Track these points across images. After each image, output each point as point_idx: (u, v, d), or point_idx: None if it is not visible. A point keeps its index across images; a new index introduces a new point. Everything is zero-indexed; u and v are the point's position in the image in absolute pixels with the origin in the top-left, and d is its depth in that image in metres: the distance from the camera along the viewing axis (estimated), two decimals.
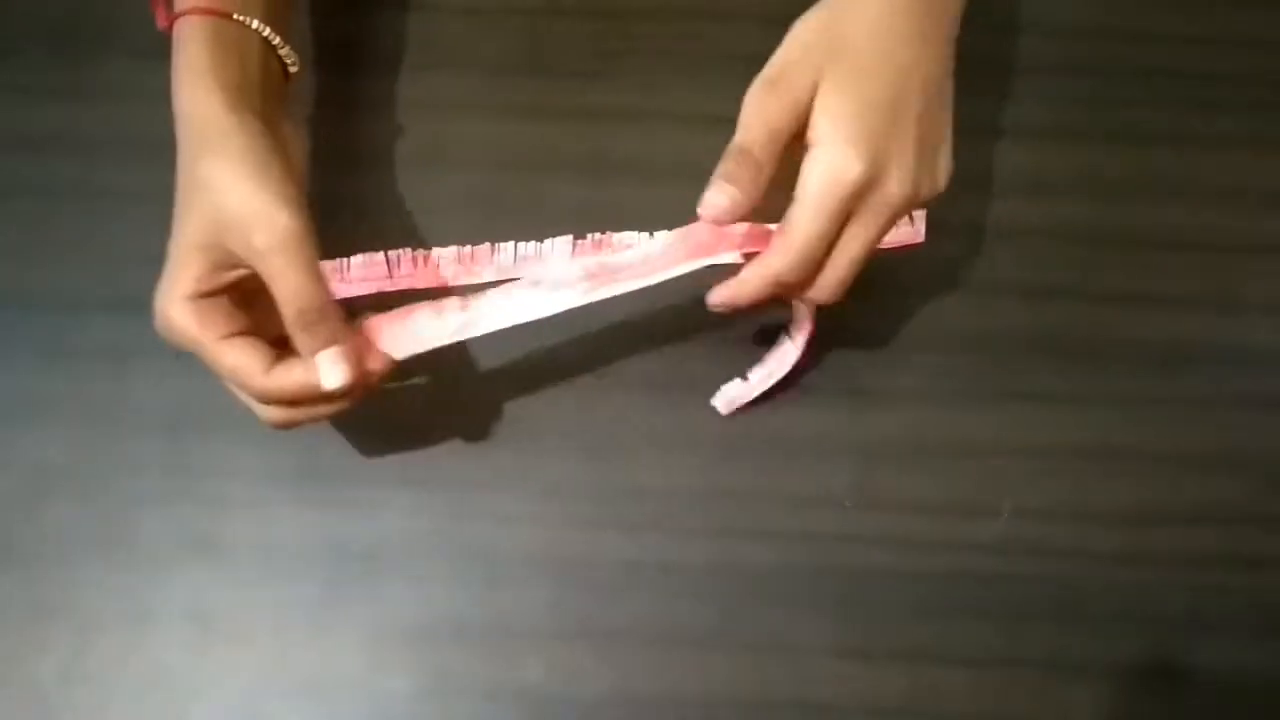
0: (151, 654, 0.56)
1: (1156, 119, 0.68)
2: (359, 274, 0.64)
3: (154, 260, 0.63)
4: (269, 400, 0.51)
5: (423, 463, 0.60)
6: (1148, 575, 0.58)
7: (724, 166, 0.52)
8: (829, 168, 0.49)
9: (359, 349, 0.52)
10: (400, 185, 0.67)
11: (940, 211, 0.65)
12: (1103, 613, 0.58)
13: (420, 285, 0.64)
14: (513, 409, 0.61)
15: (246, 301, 0.52)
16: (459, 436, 0.60)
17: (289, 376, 0.50)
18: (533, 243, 0.65)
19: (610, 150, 0.68)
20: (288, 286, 0.49)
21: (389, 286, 0.64)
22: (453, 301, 0.56)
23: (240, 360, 0.50)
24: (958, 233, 0.65)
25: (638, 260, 0.59)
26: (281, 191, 0.50)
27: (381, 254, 0.64)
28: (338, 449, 0.60)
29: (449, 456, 0.60)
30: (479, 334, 0.56)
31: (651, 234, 0.65)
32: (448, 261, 0.64)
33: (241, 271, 0.51)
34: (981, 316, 0.63)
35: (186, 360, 0.61)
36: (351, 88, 0.69)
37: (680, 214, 0.65)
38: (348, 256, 0.64)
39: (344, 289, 0.63)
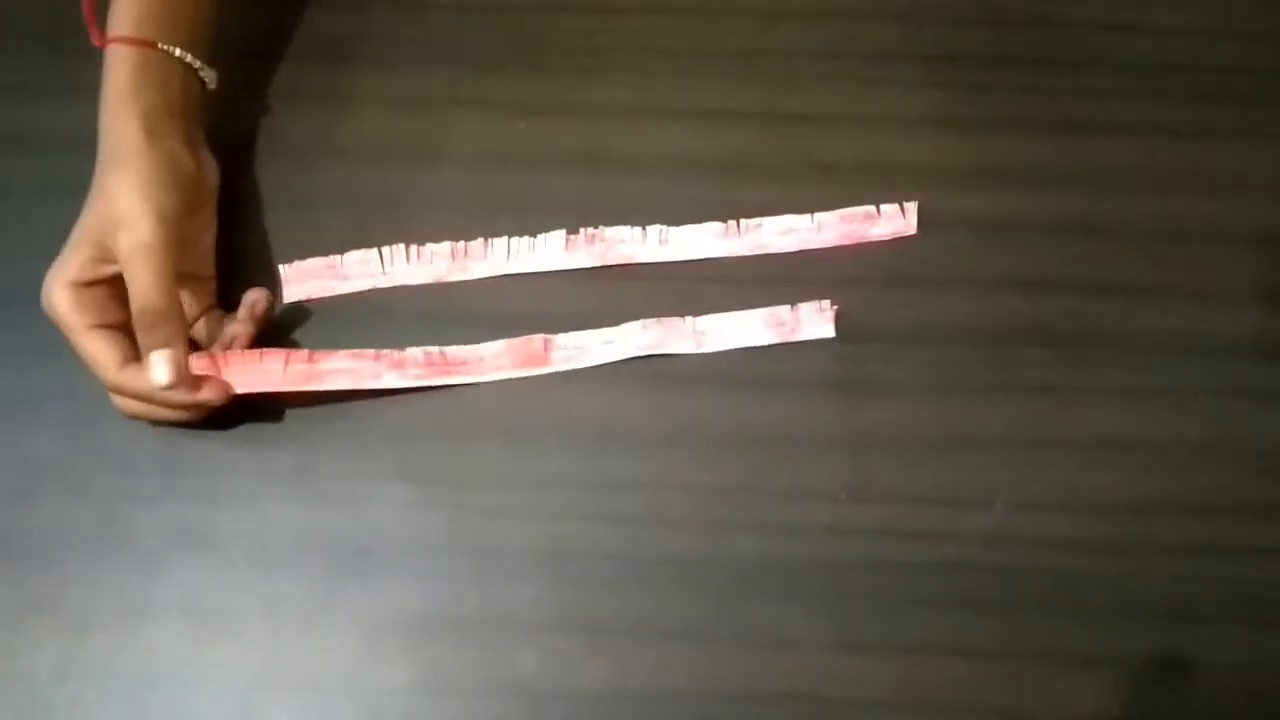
0: (145, 651, 0.56)
1: (1149, 111, 0.68)
2: (354, 270, 0.64)
3: None
4: (118, 392, 0.56)
5: (416, 457, 0.60)
6: (1143, 566, 0.58)
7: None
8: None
9: (194, 367, 0.57)
10: (395, 181, 0.67)
11: (934, 204, 0.65)
12: (1099, 604, 0.57)
13: (414, 281, 0.64)
14: (505, 403, 0.61)
15: (124, 300, 0.56)
16: (451, 430, 0.60)
17: (136, 376, 0.55)
18: (526, 238, 0.65)
19: (605, 145, 0.68)
20: (136, 286, 0.54)
21: (383, 282, 0.64)
22: (301, 354, 0.59)
23: (99, 351, 0.55)
24: (953, 225, 0.65)
25: (473, 359, 0.62)
26: (157, 202, 0.56)
27: (375, 250, 0.65)
28: (331, 445, 0.60)
29: (442, 451, 0.60)
30: (322, 389, 0.59)
31: (643, 229, 0.65)
32: (441, 257, 0.65)
33: (116, 268, 0.56)
34: (976, 309, 0.63)
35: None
36: (345, 84, 0.69)
37: (675, 207, 0.66)
38: (341, 253, 0.64)
39: (340, 285, 0.64)
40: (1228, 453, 0.60)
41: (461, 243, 0.65)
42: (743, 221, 0.66)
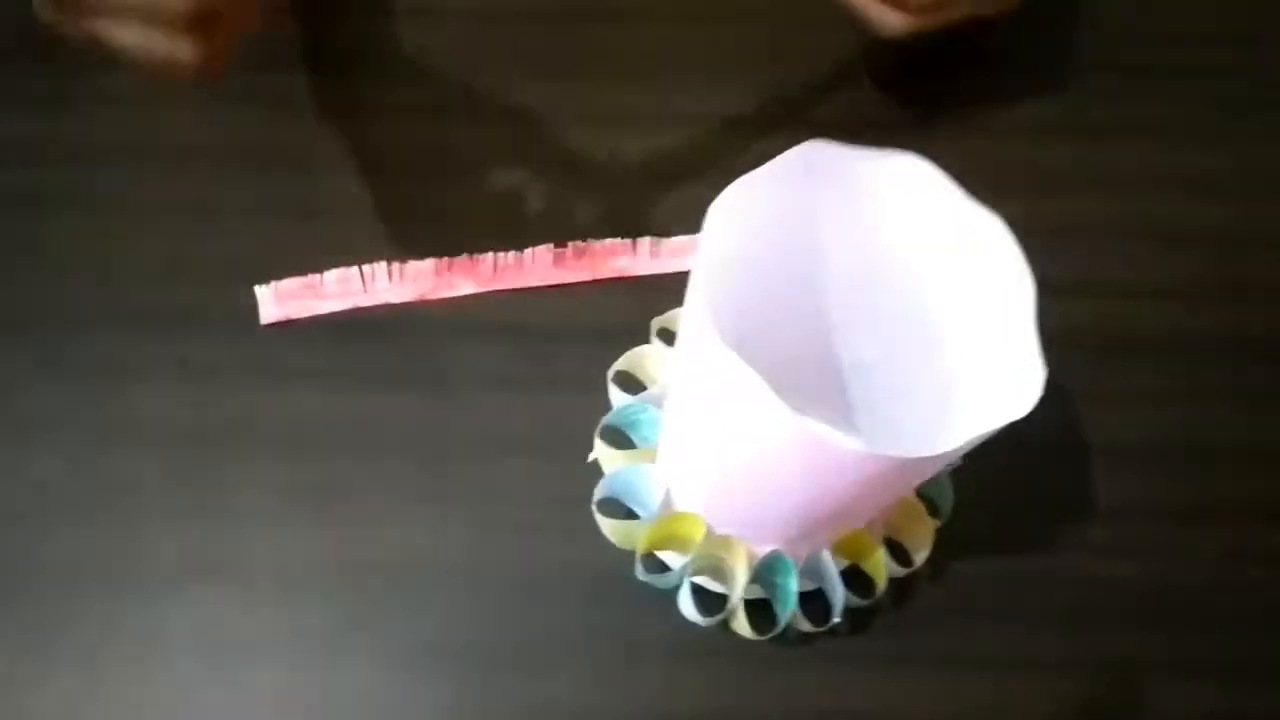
0: (161, 684, 0.53)
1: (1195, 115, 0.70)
2: (335, 289, 0.61)
3: (152, 273, 0.61)
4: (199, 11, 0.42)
5: (442, 475, 0.58)
6: (1254, 573, 0.59)
7: None
8: None
9: None
10: (405, 191, 0.64)
11: None
12: (1205, 613, 0.58)
13: (396, 300, 0.62)
14: (533, 416, 0.59)
15: None
16: (478, 446, 0.58)
17: None
18: (512, 252, 0.63)
19: (612, 153, 0.66)
20: None
21: (365, 301, 0.62)
22: None
23: None
24: None
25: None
26: None
27: (356, 268, 0.62)
28: (354, 464, 0.58)
29: (470, 468, 0.58)
30: None
31: (634, 242, 0.63)
32: (425, 275, 0.62)
33: None
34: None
35: (191, 375, 0.59)
36: (350, 94, 0.66)
37: (687, 213, 0.64)
38: (324, 268, 0.62)
39: (320, 305, 0.61)
40: None
41: (445, 259, 0.63)
42: None
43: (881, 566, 0.53)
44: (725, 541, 0.51)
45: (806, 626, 0.53)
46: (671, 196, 0.65)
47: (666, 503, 0.52)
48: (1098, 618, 0.57)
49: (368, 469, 0.58)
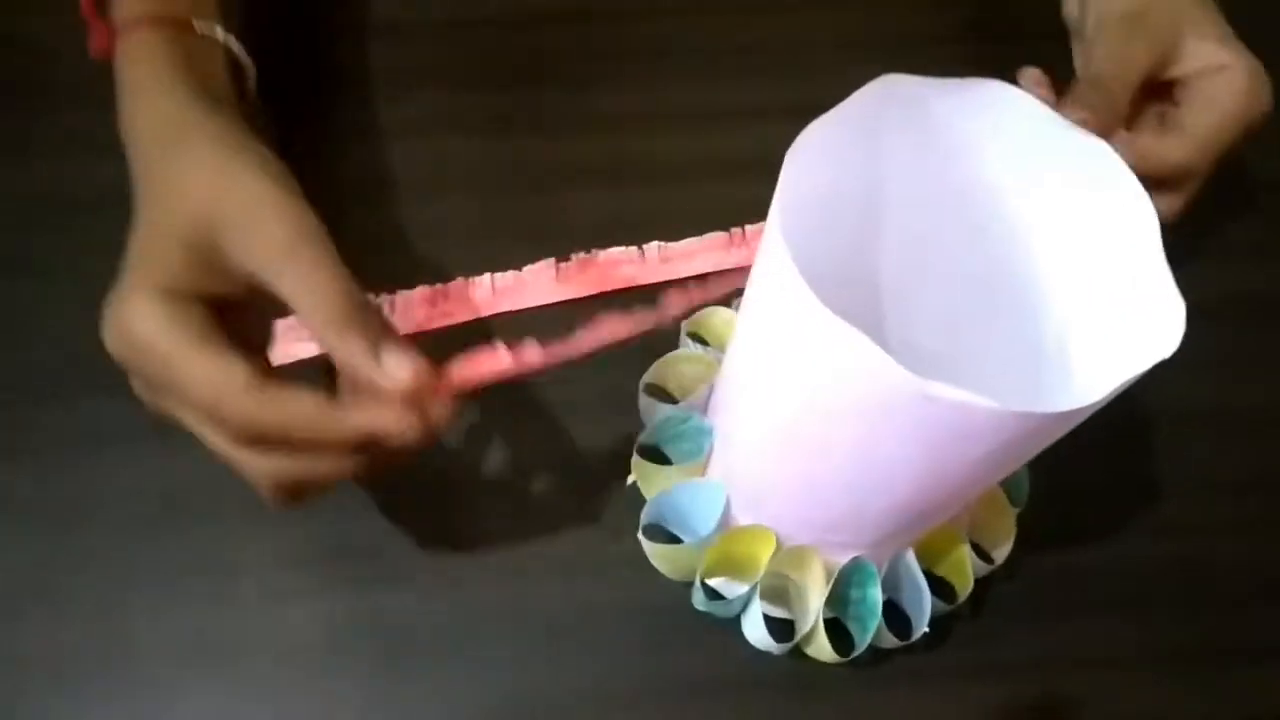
0: None
1: None
2: None
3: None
4: (252, 430, 0.38)
5: (467, 518, 0.52)
6: None
7: (1077, 91, 0.47)
8: (1249, 85, 0.49)
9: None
10: (400, 214, 0.59)
11: None
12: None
13: None
14: (556, 446, 0.54)
15: (233, 325, 0.40)
16: (500, 485, 0.53)
17: (282, 399, 0.37)
18: (510, 272, 0.58)
19: (616, 157, 0.62)
20: (323, 283, 0.38)
21: None
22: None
23: (219, 366, 0.37)
24: None
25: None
26: (291, 184, 0.40)
27: None
28: (367, 519, 0.52)
29: (495, 505, 0.52)
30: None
31: (640, 248, 0.58)
32: (417, 305, 0.56)
33: (229, 285, 0.40)
34: None
35: (171, 441, 0.51)
36: (320, 118, 0.61)
37: (700, 214, 0.59)
38: None
39: (302, 349, 0.55)
40: None
41: (438, 285, 0.57)
42: (748, 228, 0.60)
43: (967, 565, 0.48)
44: (798, 555, 0.46)
45: (890, 641, 0.48)
46: (675, 197, 0.61)
47: (725, 519, 0.47)
48: (1192, 602, 0.53)
49: (384, 524, 0.52)
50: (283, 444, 0.38)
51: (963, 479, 0.37)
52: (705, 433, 0.48)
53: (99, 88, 0.45)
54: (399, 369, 0.38)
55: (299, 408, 0.37)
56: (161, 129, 0.42)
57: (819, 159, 0.35)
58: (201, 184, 0.39)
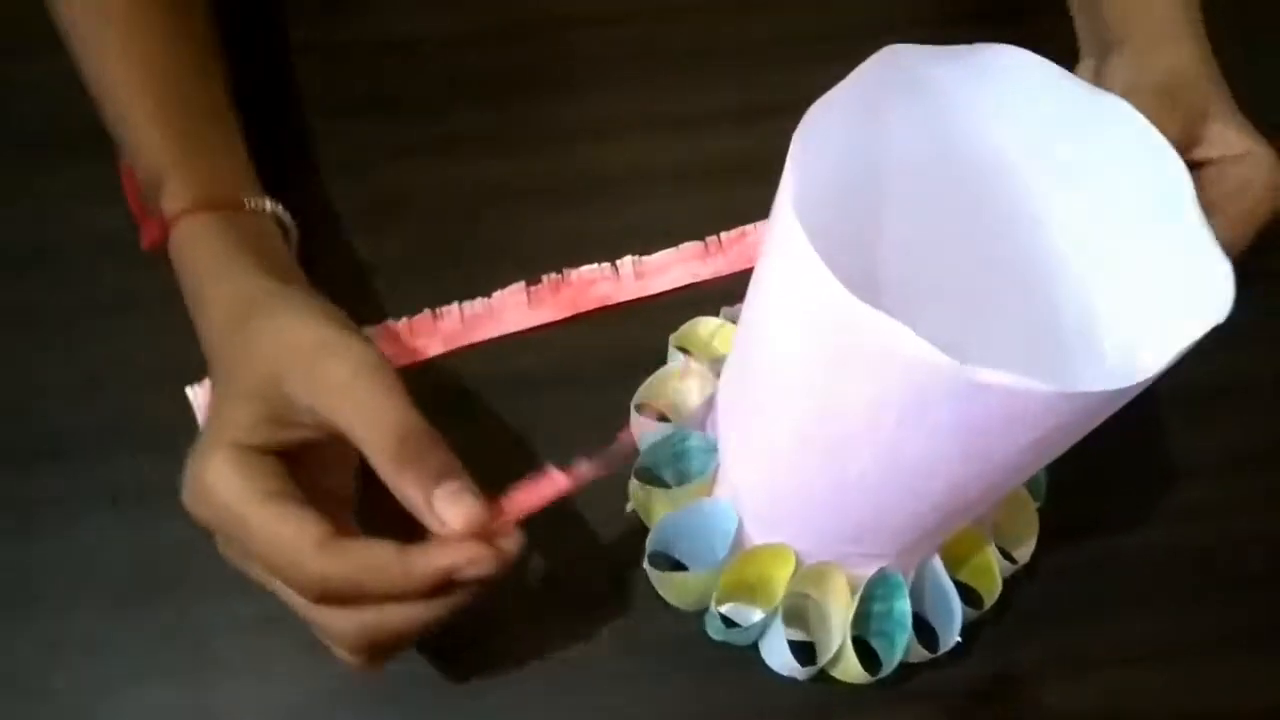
0: None
1: None
2: None
3: (66, 387, 0.51)
4: (325, 589, 0.37)
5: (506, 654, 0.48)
6: None
7: None
8: (1275, 171, 0.47)
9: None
10: (353, 248, 0.56)
11: None
12: None
13: None
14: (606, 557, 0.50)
15: (306, 476, 0.40)
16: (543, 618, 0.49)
17: (354, 552, 0.37)
18: (479, 300, 0.54)
19: (576, 171, 0.59)
20: (380, 414, 0.38)
21: None
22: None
23: (291, 524, 0.37)
24: None
25: None
26: (349, 325, 0.42)
27: None
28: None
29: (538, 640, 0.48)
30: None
31: (614, 265, 0.56)
32: (382, 340, 0.53)
33: (300, 431, 0.40)
34: None
35: (126, 508, 0.49)
36: (269, 149, 0.56)
37: (671, 225, 0.57)
38: None
39: None
40: None
41: (404, 320, 0.54)
42: (724, 235, 0.57)
43: (994, 569, 0.45)
44: (818, 572, 0.43)
45: (920, 655, 0.45)
46: (643, 209, 0.58)
47: (738, 541, 0.44)
48: (1225, 586, 0.51)
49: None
50: (359, 598, 0.37)
51: (1003, 473, 0.35)
52: (708, 450, 0.45)
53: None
54: (452, 513, 0.37)
55: (373, 560, 0.37)
56: (229, 310, 0.42)
57: (823, 143, 0.33)
58: (267, 346, 0.40)
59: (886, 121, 0.36)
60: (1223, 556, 0.51)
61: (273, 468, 0.38)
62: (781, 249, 0.32)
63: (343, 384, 0.38)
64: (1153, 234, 0.34)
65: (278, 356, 0.39)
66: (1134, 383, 0.30)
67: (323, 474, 0.41)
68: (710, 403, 0.45)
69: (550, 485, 0.39)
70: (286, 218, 0.49)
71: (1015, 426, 0.31)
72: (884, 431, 0.33)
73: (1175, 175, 0.33)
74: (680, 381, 0.48)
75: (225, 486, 0.37)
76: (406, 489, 0.37)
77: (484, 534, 0.37)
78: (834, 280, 0.29)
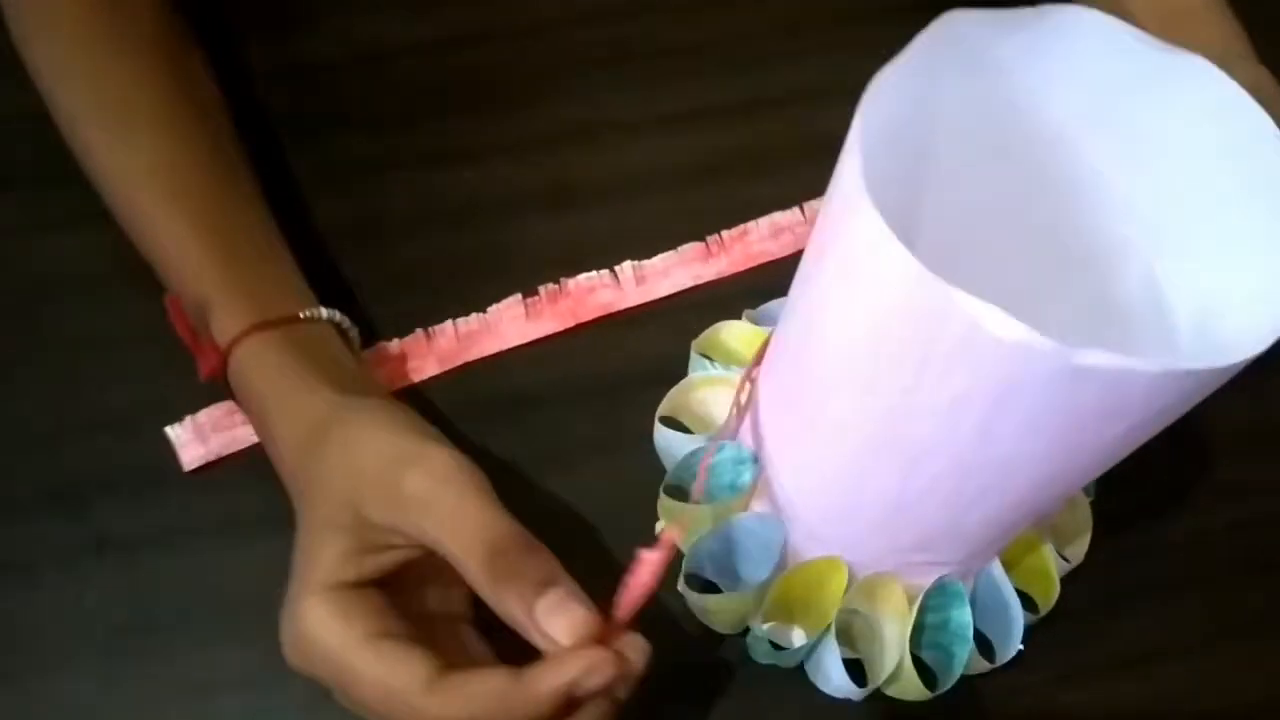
0: None
1: None
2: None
3: (38, 434, 0.47)
4: None
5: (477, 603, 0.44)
6: None
7: None
8: None
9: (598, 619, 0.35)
10: (341, 268, 0.52)
11: None
12: None
13: None
14: (560, 503, 0.47)
15: (402, 604, 0.38)
16: None
17: (464, 687, 0.34)
18: (474, 315, 0.51)
19: (565, 177, 0.56)
20: (468, 526, 0.35)
21: None
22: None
23: (397, 662, 0.34)
24: None
25: None
26: (425, 430, 0.39)
27: None
28: None
29: None
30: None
31: (613, 271, 0.52)
32: (374, 363, 0.50)
33: (393, 555, 0.37)
34: None
35: (110, 556, 0.45)
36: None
37: (668, 226, 0.54)
38: None
39: (252, 431, 0.47)
40: None
41: (395, 341, 0.50)
42: (725, 234, 0.54)
43: (1052, 570, 0.42)
44: (874, 585, 0.40)
45: (980, 667, 0.42)
46: (638, 211, 0.55)
47: (786, 555, 0.40)
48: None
49: None
50: None
51: (1089, 467, 0.32)
52: (741, 461, 0.42)
53: None
54: (559, 626, 0.34)
55: (487, 692, 0.34)
56: (299, 434, 0.40)
57: (883, 120, 0.30)
58: (340, 469, 0.37)
59: (942, 94, 0.33)
60: (1270, 537, 0.49)
61: (370, 603, 0.36)
62: (847, 233, 0.29)
63: (424, 497, 0.35)
64: (1235, 200, 0.32)
65: (352, 479, 0.37)
66: (1245, 357, 0.27)
67: (428, 592, 0.39)
68: (742, 411, 0.42)
69: (648, 568, 0.35)
70: (345, 321, 0.45)
71: (1113, 413, 0.28)
72: (966, 430, 0.30)
73: (1265, 136, 0.31)
74: (707, 391, 0.45)
75: (322, 635, 0.35)
76: (507, 605, 0.34)
77: (600, 639, 0.34)
78: (916, 262, 0.26)
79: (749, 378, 0.42)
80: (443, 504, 0.35)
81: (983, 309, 0.26)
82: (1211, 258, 0.33)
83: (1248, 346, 0.27)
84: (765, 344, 0.41)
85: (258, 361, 0.42)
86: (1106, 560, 0.47)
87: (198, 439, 0.47)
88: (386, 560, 0.37)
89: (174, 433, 0.47)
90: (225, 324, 0.42)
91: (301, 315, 0.43)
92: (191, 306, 0.44)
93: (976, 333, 0.26)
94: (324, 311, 0.44)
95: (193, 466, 0.47)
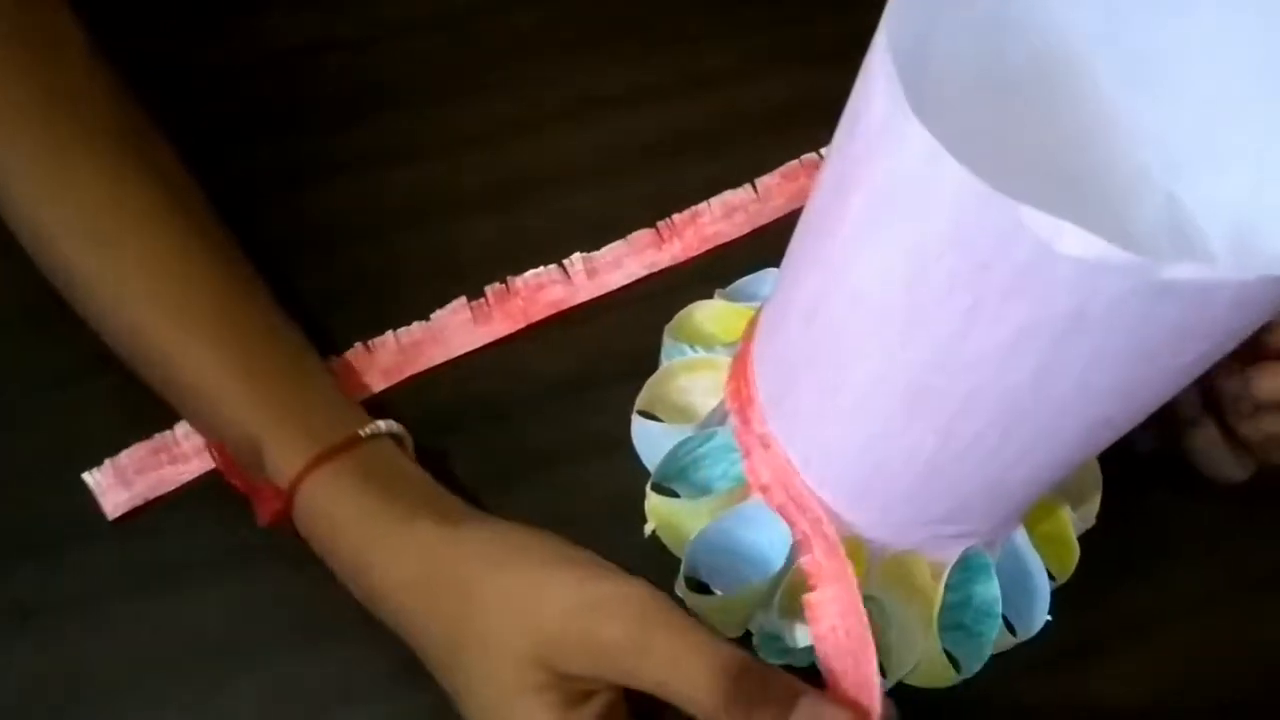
0: None
1: None
2: (194, 445, 0.43)
3: None
4: None
5: None
6: None
7: None
8: None
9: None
10: (266, 281, 0.46)
11: None
12: None
13: None
14: (534, 516, 0.42)
15: None
16: None
17: None
18: (417, 324, 0.47)
19: (501, 170, 0.52)
20: (695, 657, 0.31)
21: None
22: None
23: None
24: None
25: None
26: (586, 560, 0.35)
27: None
28: (303, 660, 0.40)
29: None
30: None
31: (561, 265, 0.49)
32: None
33: (601, 697, 0.33)
34: None
35: (32, 622, 0.40)
36: None
37: (615, 214, 0.51)
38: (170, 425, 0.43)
39: (180, 472, 0.43)
40: None
41: (334, 358, 0.46)
42: (675, 218, 0.51)
43: (1070, 534, 0.40)
44: (896, 566, 0.37)
45: (1009, 641, 0.39)
46: (581, 201, 0.52)
47: (796, 546, 0.37)
48: None
49: (321, 669, 0.40)
50: None
51: (1147, 403, 0.29)
52: (734, 448, 0.39)
53: None
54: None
55: None
56: (408, 575, 0.36)
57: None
58: (512, 627, 0.33)
59: (941, 14, 0.30)
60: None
61: None
62: (883, 163, 0.26)
63: (630, 644, 0.31)
64: (1265, 101, 0.30)
65: (531, 635, 0.33)
66: None
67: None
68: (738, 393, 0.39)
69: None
70: (398, 428, 0.41)
71: (1188, 337, 0.26)
72: (1022, 373, 0.27)
73: None
74: (687, 377, 0.41)
75: None
76: None
77: None
78: (978, 181, 0.23)
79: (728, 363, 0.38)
80: (655, 646, 0.31)
81: (1057, 225, 0.23)
82: (1241, 170, 0.31)
83: None
84: (753, 321, 0.38)
85: (329, 499, 0.37)
86: (1122, 515, 0.44)
87: (120, 483, 0.42)
88: (599, 705, 0.33)
89: (93, 479, 0.42)
90: (281, 461, 0.38)
91: (362, 434, 0.39)
92: (235, 448, 0.39)
93: (1046, 255, 0.24)
94: (381, 425, 0.40)
95: (118, 514, 0.42)
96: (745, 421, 0.37)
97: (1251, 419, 0.39)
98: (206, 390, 0.39)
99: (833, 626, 0.33)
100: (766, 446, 0.36)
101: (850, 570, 0.34)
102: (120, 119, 0.42)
